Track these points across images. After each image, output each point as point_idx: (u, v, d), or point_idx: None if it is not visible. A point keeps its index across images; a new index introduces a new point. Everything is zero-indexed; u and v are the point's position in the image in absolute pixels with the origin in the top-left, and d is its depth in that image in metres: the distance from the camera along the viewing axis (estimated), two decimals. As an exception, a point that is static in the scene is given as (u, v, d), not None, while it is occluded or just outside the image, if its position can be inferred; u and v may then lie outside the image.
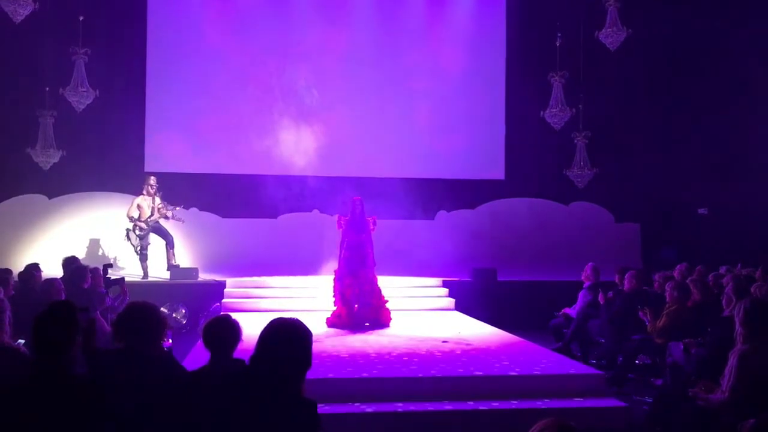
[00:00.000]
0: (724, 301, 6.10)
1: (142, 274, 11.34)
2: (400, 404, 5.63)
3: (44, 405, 2.87)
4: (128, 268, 11.88)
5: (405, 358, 6.73)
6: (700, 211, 14.09)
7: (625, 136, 14.04)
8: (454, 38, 14.37)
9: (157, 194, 11.54)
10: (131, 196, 11.77)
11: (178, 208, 11.69)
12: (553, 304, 9.55)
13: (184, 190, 12.41)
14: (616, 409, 5.78)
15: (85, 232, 12.62)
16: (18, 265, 8.76)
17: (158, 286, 10.84)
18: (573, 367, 6.57)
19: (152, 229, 11.49)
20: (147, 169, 12.99)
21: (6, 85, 12.58)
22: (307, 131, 13.62)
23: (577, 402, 5.82)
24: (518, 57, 14.21)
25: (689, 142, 13.93)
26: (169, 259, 11.64)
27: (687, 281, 7.41)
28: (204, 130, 13.49)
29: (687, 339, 6.25)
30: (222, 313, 5.62)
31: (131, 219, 11.34)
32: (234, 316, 3.86)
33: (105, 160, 12.69)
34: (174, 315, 10.23)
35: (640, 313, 7.21)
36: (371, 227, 9.17)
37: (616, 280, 8.51)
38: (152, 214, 11.42)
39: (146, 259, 11.40)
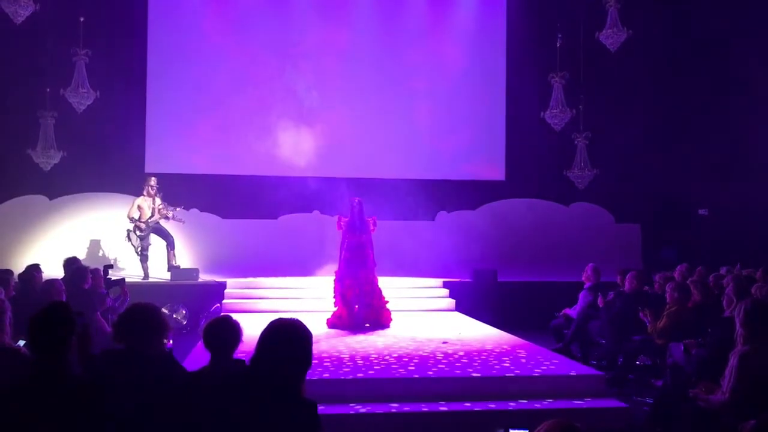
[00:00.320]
0: (724, 302, 6.10)
1: (143, 275, 11.34)
2: (400, 405, 5.63)
3: (44, 405, 2.87)
4: (129, 269, 11.88)
5: (405, 359, 6.73)
6: (701, 211, 14.08)
7: (625, 136, 14.04)
8: (454, 39, 14.38)
9: (158, 195, 11.54)
10: (132, 197, 11.77)
11: (178, 209, 11.69)
12: (553, 305, 9.54)
13: (184, 191, 12.42)
14: (617, 410, 5.77)
15: (85, 232, 12.63)
16: (19, 266, 8.76)
17: (159, 287, 10.84)
18: (573, 367, 6.57)
19: (153, 230, 11.49)
20: (147, 169, 12.99)
21: (7, 85, 12.58)
22: (307, 132, 13.64)
23: (578, 403, 5.82)
24: (519, 58, 14.21)
25: (689, 143, 13.93)
26: (169, 260, 11.64)
27: (687, 282, 7.41)
28: (204, 130, 13.50)
29: (687, 340, 6.25)
30: (222, 313, 5.63)
31: (132, 220, 11.35)
32: (234, 316, 3.86)
33: (106, 160, 12.69)
34: (174, 316, 10.24)
35: (640, 314, 7.21)
36: (371, 228, 9.17)
37: (618, 281, 8.51)
38: (153, 215, 11.42)
39: (147, 260, 11.40)
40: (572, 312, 8.82)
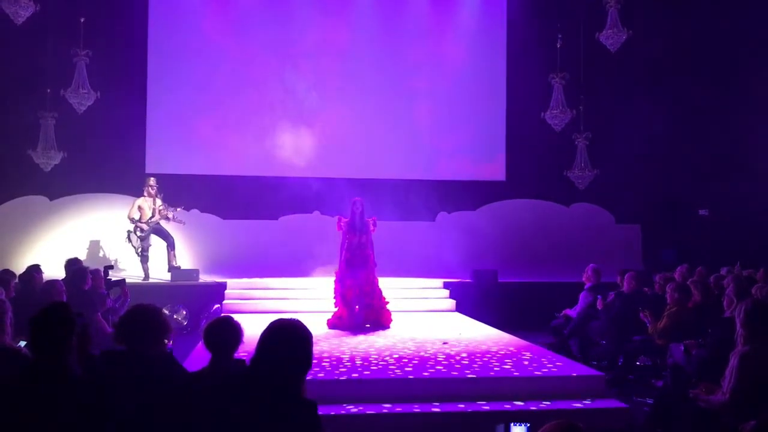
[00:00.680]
0: (725, 303, 6.10)
1: (143, 276, 11.35)
2: (400, 406, 5.62)
3: (44, 405, 2.88)
4: (129, 270, 11.88)
5: (405, 360, 6.73)
6: (701, 212, 14.09)
7: (625, 137, 14.03)
8: (455, 39, 14.39)
9: (158, 196, 11.55)
10: (132, 198, 11.78)
11: (179, 209, 11.70)
12: (553, 305, 9.54)
13: (185, 192, 12.43)
14: (617, 410, 5.77)
15: (86, 233, 12.64)
16: (19, 267, 8.76)
17: (159, 288, 10.84)
18: (574, 368, 6.57)
19: (153, 231, 11.50)
20: (148, 170, 13.00)
21: (7, 86, 12.59)
22: (307, 132, 13.66)
23: (578, 403, 5.82)
24: (519, 58, 14.21)
25: (690, 143, 13.94)
26: (169, 261, 11.65)
27: (688, 282, 7.41)
28: (205, 131, 13.50)
29: (688, 340, 6.25)
30: (223, 314, 5.63)
31: (132, 220, 11.35)
32: (235, 317, 3.86)
33: (106, 161, 12.70)
34: (175, 316, 10.23)
35: (641, 315, 7.21)
36: (372, 228, 9.17)
37: (618, 282, 8.51)
38: (153, 216, 11.43)
39: (147, 261, 11.41)
40: (573, 312, 8.82)
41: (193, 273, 11.39)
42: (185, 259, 12.30)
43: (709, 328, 6.03)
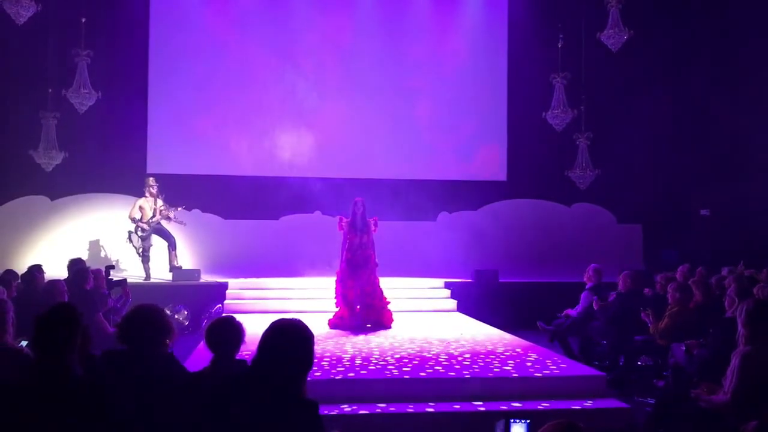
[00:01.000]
0: (726, 302, 6.09)
1: (144, 276, 11.36)
2: (400, 405, 5.62)
3: (46, 405, 2.88)
4: (130, 270, 11.89)
5: (405, 360, 6.73)
6: (702, 212, 14.08)
7: (626, 137, 14.04)
8: (456, 39, 14.40)
9: (159, 196, 11.56)
10: (133, 198, 11.80)
11: (180, 209, 11.70)
12: (555, 306, 9.53)
13: (186, 192, 12.44)
14: (619, 411, 5.77)
15: (87, 233, 12.65)
16: (20, 267, 8.76)
17: (160, 288, 10.85)
18: (575, 368, 6.57)
19: (154, 231, 11.51)
20: (149, 170, 13.01)
21: (8, 86, 12.61)
22: (308, 132, 13.68)
23: (579, 403, 5.82)
24: (520, 58, 14.22)
25: (691, 143, 13.94)
26: (171, 261, 11.66)
27: (689, 282, 7.41)
28: (206, 131, 13.52)
29: (689, 340, 6.25)
30: (224, 314, 5.63)
31: (133, 220, 11.36)
32: (236, 317, 3.86)
33: (107, 161, 12.71)
34: (176, 316, 10.24)
35: (642, 314, 7.20)
36: (373, 228, 9.16)
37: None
38: (154, 216, 11.44)
39: (148, 261, 11.42)
40: (574, 312, 8.82)
41: (194, 273, 11.39)
42: (186, 259, 12.31)
43: (710, 328, 6.03)
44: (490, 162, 14.35)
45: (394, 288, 10.38)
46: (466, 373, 6.20)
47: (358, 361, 6.64)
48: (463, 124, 14.16)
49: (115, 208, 12.43)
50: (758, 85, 13.37)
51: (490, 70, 14.39)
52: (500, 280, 11.82)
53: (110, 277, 8.15)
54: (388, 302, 9.22)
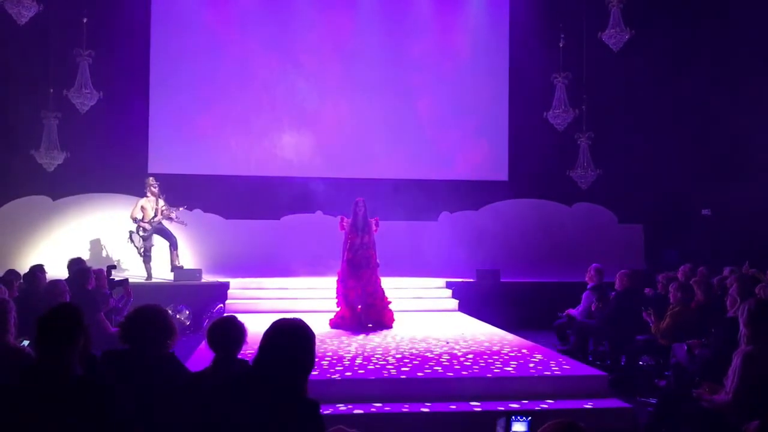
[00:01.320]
0: (728, 302, 6.09)
1: (146, 276, 11.36)
2: (401, 405, 5.62)
3: (46, 405, 2.88)
4: (132, 270, 11.90)
5: (406, 359, 6.73)
6: (704, 212, 14.07)
7: (628, 136, 14.04)
8: (457, 39, 14.40)
9: (161, 196, 11.58)
10: (135, 198, 11.81)
11: (181, 209, 11.72)
12: (556, 305, 9.54)
13: (187, 192, 12.46)
14: (620, 410, 5.76)
15: (88, 233, 12.67)
16: (22, 267, 8.77)
17: (162, 288, 10.85)
18: (576, 368, 6.57)
19: (156, 231, 11.51)
20: (151, 170, 13.02)
21: (10, 86, 12.61)
22: (310, 132, 13.69)
23: (581, 403, 5.81)
24: (521, 58, 14.21)
25: (692, 143, 13.92)
26: (172, 261, 11.67)
27: (690, 282, 7.40)
28: (208, 131, 13.53)
29: (691, 340, 6.24)
30: (226, 314, 5.63)
31: (135, 220, 11.37)
32: (237, 317, 3.86)
33: (109, 161, 12.71)
34: (178, 316, 10.24)
35: (644, 314, 7.20)
36: (374, 228, 9.16)
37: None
38: (156, 216, 11.45)
39: (150, 261, 11.42)
40: (575, 312, 8.82)
41: (195, 273, 11.40)
42: (188, 259, 12.32)
43: (712, 328, 6.02)
44: (491, 162, 14.34)
45: (395, 288, 10.38)
46: (466, 373, 6.20)
47: (358, 361, 6.64)
48: (465, 124, 14.16)
49: (116, 207, 12.44)
50: (759, 85, 13.36)
51: (492, 70, 14.39)
52: (502, 280, 11.81)
53: (112, 277, 8.16)
54: (390, 302, 9.22)
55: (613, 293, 8.19)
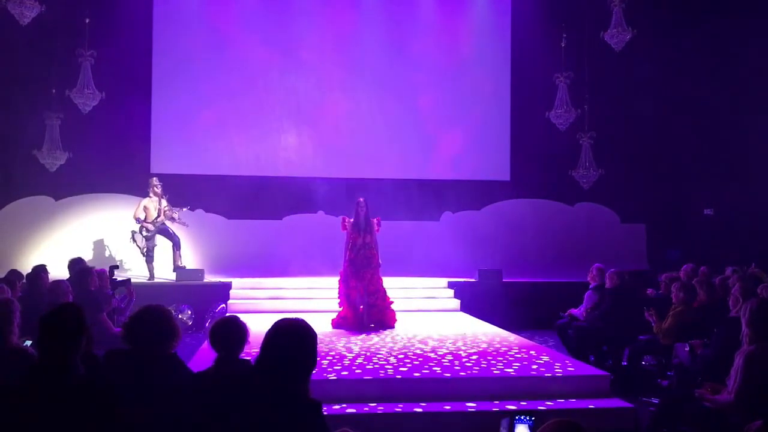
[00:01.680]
0: (730, 302, 6.08)
1: (149, 276, 11.38)
2: (403, 405, 5.62)
3: (48, 405, 2.88)
4: (134, 270, 11.92)
5: (408, 359, 6.73)
6: (706, 211, 14.06)
7: (630, 136, 14.04)
8: (459, 39, 14.40)
9: (164, 196, 11.59)
10: (137, 198, 11.82)
11: (184, 209, 11.73)
12: (558, 305, 9.53)
13: (189, 192, 12.47)
14: (622, 410, 5.76)
15: (91, 233, 12.69)
16: (25, 267, 8.79)
17: (164, 288, 10.87)
18: (578, 368, 6.56)
19: (158, 231, 11.53)
20: (153, 170, 13.03)
21: (12, 87, 12.62)
22: (312, 133, 13.70)
23: (583, 403, 5.81)
24: (523, 58, 14.21)
25: (694, 143, 13.91)
26: (175, 261, 11.68)
27: (693, 282, 7.40)
28: (210, 131, 13.54)
29: (693, 340, 6.24)
30: (228, 314, 5.63)
31: (138, 220, 11.39)
32: (239, 317, 3.86)
33: (111, 161, 12.72)
34: (180, 316, 10.26)
35: (646, 314, 7.20)
36: (376, 228, 9.16)
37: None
38: (158, 216, 11.46)
39: (152, 261, 11.44)
40: (577, 312, 8.82)
41: (198, 273, 11.42)
42: (190, 259, 12.34)
43: (714, 328, 6.02)
44: (493, 162, 14.34)
45: (397, 288, 10.38)
46: (463, 374, 6.19)
47: (359, 361, 6.64)
48: (467, 124, 14.16)
49: (118, 208, 12.46)
50: (762, 85, 13.34)
51: (494, 70, 14.38)
52: (504, 280, 11.81)
53: (114, 277, 8.16)
54: (392, 302, 9.22)
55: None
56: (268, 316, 7.12)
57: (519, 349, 7.40)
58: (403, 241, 12.31)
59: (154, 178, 11.71)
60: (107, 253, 12.59)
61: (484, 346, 7.62)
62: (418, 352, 7.17)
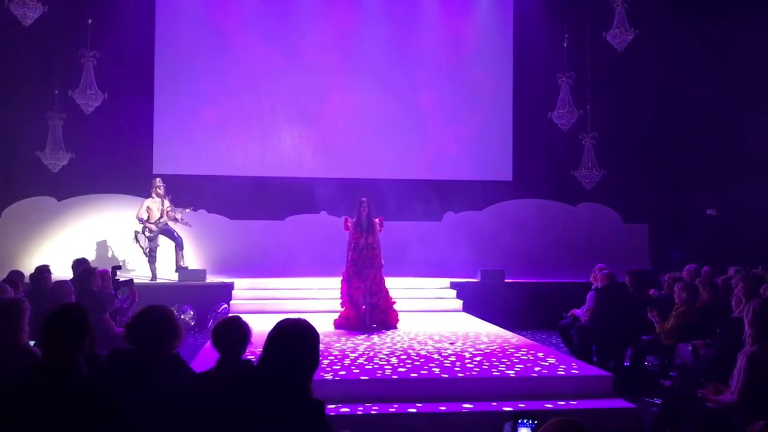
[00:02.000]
0: (733, 302, 6.07)
1: (151, 276, 11.39)
2: (404, 405, 5.62)
3: (51, 405, 2.89)
4: (137, 270, 11.93)
5: (410, 360, 6.73)
6: (709, 211, 14.04)
7: (632, 136, 14.02)
8: (461, 39, 14.40)
9: (167, 197, 11.60)
10: (140, 198, 11.83)
11: (187, 210, 11.74)
12: (561, 305, 9.52)
13: (192, 192, 12.48)
14: (625, 411, 5.75)
15: (94, 234, 12.69)
16: (28, 267, 8.81)
17: (166, 288, 10.88)
18: (581, 368, 6.56)
19: (161, 231, 11.54)
20: (155, 171, 13.04)
21: (15, 87, 12.66)
22: (314, 133, 13.70)
23: (585, 403, 5.81)
24: (526, 58, 14.21)
25: (697, 143, 13.89)
26: (177, 261, 11.68)
27: (696, 282, 7.39)
28: (212, 131, 13.55)
29: (696, 340, 6.23)
30: (230, 314, 5.63)
31: (141, 221, 11.40)
32: (242, 317, 3.86)
33: (114, 162, 12.75)
34: (182, 316, 10.27)
35: (648, 314, 7.20)
36: (379, 228, 9.16)
37: (626, 282, 8.48)
38: (161, 216, 11.47)
39: (155, 261, 11.45)
40: (580, 312, 8.81)
41: (200, 273, 11.42)
42: (193, 260, 12.34)
43: (717, 328, 6.01)
44: (495, 162, 14.33)
45: (399, 288, 10.38)
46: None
47: (359, 361, 6.64)
48: (469, 124, 14.15)
49: (121, 208, 12.47)
50: (765, 85, 13.32)
51: (496, 70, 14.38)
52: (506, 280, 11.80)
53: (117, 278, 8.17)
54: (394, 302, 9.23)
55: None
56: (270, 316, 7.12)
57: (520, 349, 7.39)
58: (405, 241, 12.31)
59: (157, 179, 11.72)
60: (110, 254, 12.60)
61: (486, 346, 7.61)
62: (423, 353, 7.16)
